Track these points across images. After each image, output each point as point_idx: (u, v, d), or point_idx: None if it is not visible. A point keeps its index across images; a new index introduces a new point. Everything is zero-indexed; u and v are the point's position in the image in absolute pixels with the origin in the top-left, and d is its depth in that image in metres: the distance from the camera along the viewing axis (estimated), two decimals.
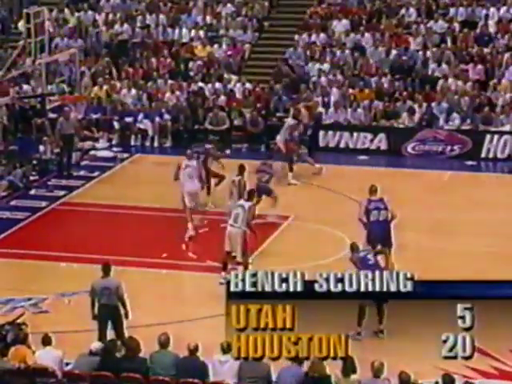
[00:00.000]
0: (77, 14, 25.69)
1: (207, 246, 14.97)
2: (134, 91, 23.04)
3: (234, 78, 23.29)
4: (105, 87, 23.18)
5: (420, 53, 22.92)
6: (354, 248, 12.77)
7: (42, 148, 19.69)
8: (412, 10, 24.04)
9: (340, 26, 24.10)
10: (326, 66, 22.98)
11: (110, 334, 11.31)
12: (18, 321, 10.87)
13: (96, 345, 9.86)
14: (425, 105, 21.52)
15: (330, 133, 21.33)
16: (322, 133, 21.20)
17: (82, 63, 23.36)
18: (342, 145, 21.21)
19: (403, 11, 24.11)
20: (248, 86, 22.85)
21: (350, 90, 22.20)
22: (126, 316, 11.34)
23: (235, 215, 13.56)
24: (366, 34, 23.55)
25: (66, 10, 25.81)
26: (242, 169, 15.19)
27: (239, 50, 24.29)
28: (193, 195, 15.50)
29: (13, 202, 17.93)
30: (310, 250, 14.49)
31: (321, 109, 21.82)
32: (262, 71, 23.78)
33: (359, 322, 11.75)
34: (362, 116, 21.70)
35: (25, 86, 22.88)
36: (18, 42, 23.23)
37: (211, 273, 14.00)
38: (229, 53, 24.13)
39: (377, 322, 11.68)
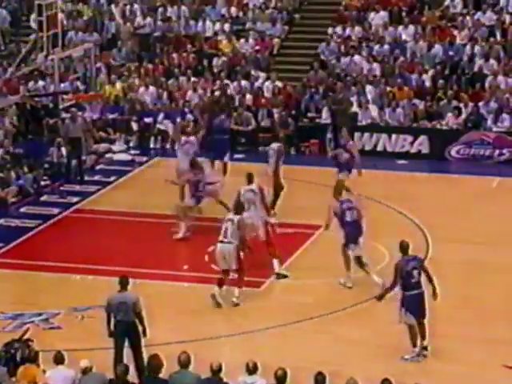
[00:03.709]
0: (92, 6, 25.94)
1: None
2: (153, 89, 23.19)
3: (262, 75, 23.36)
4: (122, 85, 23.38)
5: (466, 47, 22.83)
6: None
7: (53, 150, 19.87)
8: (457, 0, 23.96)
9: (378, 18, 24.08)
10: (362, 62, 22.98)
11: (127, 353, 11.39)
12: (25, 337, 10.95)
13: (85, 362, 9.92)
14: (471, 104, 21.43)
15: (366, 135, 21.31)
16: (357, 135, 21.17)
17: (97, 59, 23.59)
18: (379, 148, 21.19)
19: (448, 2, 24.04)
20: (277, 83, 22.91)
21: (389, 88, 22.18)
22: (144, 333, 11.40)
23: (224, 230, 13.65)
24: (407, 27, 23.52)
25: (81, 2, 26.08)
26: (250, 177, 15.19)
27: (267, 44, 24.34)
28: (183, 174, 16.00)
29: (23, 209, 18.07)
30: (342, 262, 14.44)
31: (356, 108, 21.83)
32: (293, 68, 23.83)
33: (414, 343, 11.85)
34: (401, 116, 21.65)
35: (36, 84, 23.13)
36: (29, 36, 23.55)
37: (233, 286, 14.01)
38: (256, 48, 24.19)
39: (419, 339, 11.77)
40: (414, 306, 11.87)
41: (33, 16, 23.64)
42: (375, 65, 22.82)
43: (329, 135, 21.56)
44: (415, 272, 11.95)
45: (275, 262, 14.56)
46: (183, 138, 17.58)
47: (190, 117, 22.28)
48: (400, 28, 23.65)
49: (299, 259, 15.04)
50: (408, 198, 17.61)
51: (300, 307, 13.50)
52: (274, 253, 14.56)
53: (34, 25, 23.25)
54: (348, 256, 14.05)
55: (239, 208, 14.10)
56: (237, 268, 13.62)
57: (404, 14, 24.07)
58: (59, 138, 20.09)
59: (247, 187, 14.95)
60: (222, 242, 13.65)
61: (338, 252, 14.14)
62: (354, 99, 21.93)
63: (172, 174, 17.06)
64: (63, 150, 19.78)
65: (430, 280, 12.01)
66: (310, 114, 22.14)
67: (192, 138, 17.52)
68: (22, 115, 22.91)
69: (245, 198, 14.77)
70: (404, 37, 23.45)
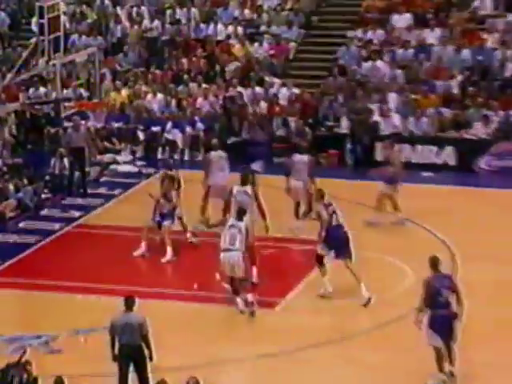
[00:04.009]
0: (96, 8, 26.08)
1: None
2: (161, 96, 23.27)
3: (277, 81, 23.41)
4: (128, 91, 23.47)
5: (497, 52, 22.81)
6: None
7: (54, 161, 19.95)
8: (487, 0, 23.94)
9: (401, 20, 24.09)
10: (384, 68, 23.00)
11: (132, 378, 11.39)
12: (22, 360, 10.95)
13: None
14: (502, 113, 21.39)
15: None
16: (379, 145, 21.18)
17: (102, 64, 23.71)
18: (402, 159, 21.16)
19: (477, 3, 24.01)
20: (293, 90, 22.94)
21: (413, 96, 22.17)
22: (151, 358, 11.40)
23: (230, 237, 13.74)
24: (433, 30, 23.53)
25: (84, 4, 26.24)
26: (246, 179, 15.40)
27: (283, 49, 24.40)
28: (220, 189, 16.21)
29: (22, 224, 18.12)
30: (366, 283, 14.41)
31: (378, 117, 21.83)
32: (310, 73, 23.86)
33: (440, 368, 11.78)
34: (426, 126, 21.63)
35: (37, 91, 23.25)
36: (30, 39, 23.68)
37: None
38: (271, 52, 24.25)
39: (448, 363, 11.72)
40: (441, 326, 11.75)
41: (34, 19, 23.79)
42: (398, 70, 22.83)
43: (348, 146, 21.57)
44: (445, 291, 11.81)
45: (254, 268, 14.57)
46: (214, 153, 17.50)
47: (200, 126, 22.36)
48: (425, 31, 23.63)
49: (316, 278, 15.00)
50: (433, 212, 17.55)
51: (316, 330, 13.48)
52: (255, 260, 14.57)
53: (34, 28, 23.40)
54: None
55: (242, 213, 14.16)
56: (245, 277, 13.73)
57: (430, 15, 24.06)
58: (61, 148, 20.19)
59: (241, 188, 15.00)
60: (229, 250, 13.71)
61: (360, 270, 14.12)
62: (375, 107, 21.94)
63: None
64: (65, 161, 19.87)
65: (460, 303, 11.87)
66: (328, 123, 22.16)
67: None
68: (21, 124, 23.05)
69: (237, 200, 14.90)
70: (430, 40, 23.44)
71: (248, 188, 15.28)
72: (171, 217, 16.19)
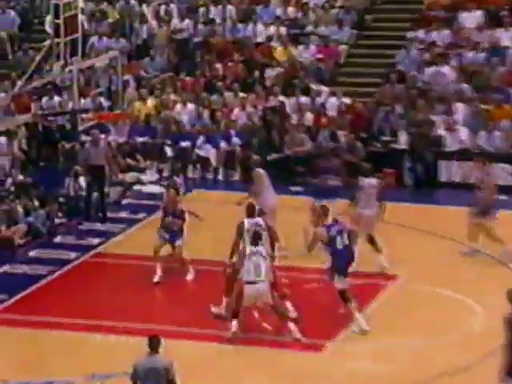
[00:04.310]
0: (119, 6, 26.33)
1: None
2: (192, 106, 23.38)
3: (325, 89, 23.43)
4: (155, 101, 23.61)
5: None
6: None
7: (69, 181, 20.07)
8: None
9: (471, 19, 24.02)
10: (450, 74, 22.88)
11: None
12: None
13: None
14: None
15: (455, 163, 21.16)
16: (443, 164, 21.06)
17: (125, 70, 23.88)
18: (471, 180, 20.99)
19: None
20: (343, 99, 22.95)
21: (484, 106, 22.05)
22: None
23: (256, 266, 14.02)
24: (507, 30, 23.38)
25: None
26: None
27: (332, 52, 24.46)
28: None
29: (32, 253, 18.22)
30: (423, 322, 14.23)
31: (442, 131, 21.72)
32: (363, 81, 23.86)
33: None
34: (499, 141, 21.49)
35: (51, 100, 23.46)
36: (43, 41, 23.90)
37: (294, 350, 13.96)
38: (318, 56, 24.33)
39: None
40: None
41: (48, 18, 24.04)
42: (467, 77, 22.70)
43: (407, 164, 21.47)
44: None
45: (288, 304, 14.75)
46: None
47: (236, 140, 22.41)
48: (499, 31, 23.53)
49: (371, 316, 14.89)
50: (509, 242, 17.38)
51: (375, 378, 13.32)
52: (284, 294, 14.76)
53: (48, 29, 23.62)
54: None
55: (257, 238, 14.44)
56: (273, 304, 14.10)
57: (504, 12, 23.93)
58: (77, 165, 20.31)
59: (251, 221, 15.03)
60: (254, 282, 14.00)
61: (420, 308, 13.99)
62: (439, 119, 21.84)
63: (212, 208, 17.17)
64: (81, 181, 19.98)
65: None
66: (383, 138, 22.10)
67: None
68: (33, 138, 23.28)
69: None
70: (504, 42, 23.33)
71: (259, 220, 15.11)
72: (181, 234, 16.75)
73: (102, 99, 23.18)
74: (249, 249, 14.34)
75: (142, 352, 11.48)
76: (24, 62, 24.71)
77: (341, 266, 14.44)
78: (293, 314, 14.54)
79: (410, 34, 24.16)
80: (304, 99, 23.11)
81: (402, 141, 21.93)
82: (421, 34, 24.07)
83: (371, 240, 16.55)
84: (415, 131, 21.76)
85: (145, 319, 14.86)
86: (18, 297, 16.22)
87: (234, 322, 14.28)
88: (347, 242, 14.55)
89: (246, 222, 14.90)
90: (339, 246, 14.47)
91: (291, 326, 14.17)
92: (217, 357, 14.05)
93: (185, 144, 22.63)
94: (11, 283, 16.80)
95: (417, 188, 21.29)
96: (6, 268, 17.49)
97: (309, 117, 22.73)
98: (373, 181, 16.94)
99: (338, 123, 22.47)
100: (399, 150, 21.75)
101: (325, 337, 14.45)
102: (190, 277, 16.67)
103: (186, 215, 16.88)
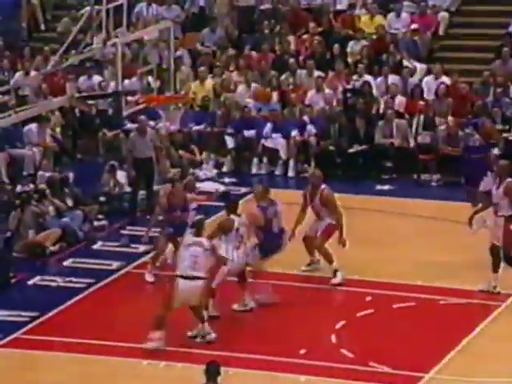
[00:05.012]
0: None
1: (368, 340, 15.22)
2: (257, 88, 23.53)
3: (421, 66, 23.51)
4: (214, 82, 23.83)
5: None
6: None
7: (104, 178, 20.40)
8: None
9: None
10: None
11: None
12: None
13: None
14: None
15: None
16: None
17: (178, 43, 24.13)
18: None
19: None
20: (443, 79, 22.98)
21: None
22: None
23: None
24: None
25: None
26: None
27: (430, 21, 24.48)
28: None
29: (67, 262, 18.34)
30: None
31: None
32: (468, 56, 23.86)
33: None
34: None
35: (90, 80, 23.72)
36: (81, 9, 24.26)
37: (375, 383, 14.17)
38: (413, 27, 24.33)
39: None
40: None
41: None
42: None
43: None
44: None
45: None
46: None
47: (311, 129, 22.51)
48: None
49: (475, 344, 15.06)
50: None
51: None
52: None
53: None
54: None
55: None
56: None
57: None
58: (121, 158, 20.61)
59: (240, 219, 16.14)
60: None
61: None
62: None
63: None
64: (120, 177, 20.26)
65: None
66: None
67: None
68: (68, 125, 23.50)
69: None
70: None
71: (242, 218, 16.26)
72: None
73: (150, 79, 23.32)
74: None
75: (198, 381, 11.70)
76: (59, 33, 25.00)
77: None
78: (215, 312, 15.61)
79: None
80: (394, 79, 23.13)
81: None
82: None
83: (497, 256, 16.25)
84: None
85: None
86: (50, 314, 16.23)
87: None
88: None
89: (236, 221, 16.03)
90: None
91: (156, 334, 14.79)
92: None
93: (249, 133, 22.78)
94: (42, 298, 16.91)
95: None
96: (36, 280, 17.55)
97: (400, 100, 22.83)
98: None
99: (437, 108, 22.49)
100: None
101: (418, 368, 14.57)
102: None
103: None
